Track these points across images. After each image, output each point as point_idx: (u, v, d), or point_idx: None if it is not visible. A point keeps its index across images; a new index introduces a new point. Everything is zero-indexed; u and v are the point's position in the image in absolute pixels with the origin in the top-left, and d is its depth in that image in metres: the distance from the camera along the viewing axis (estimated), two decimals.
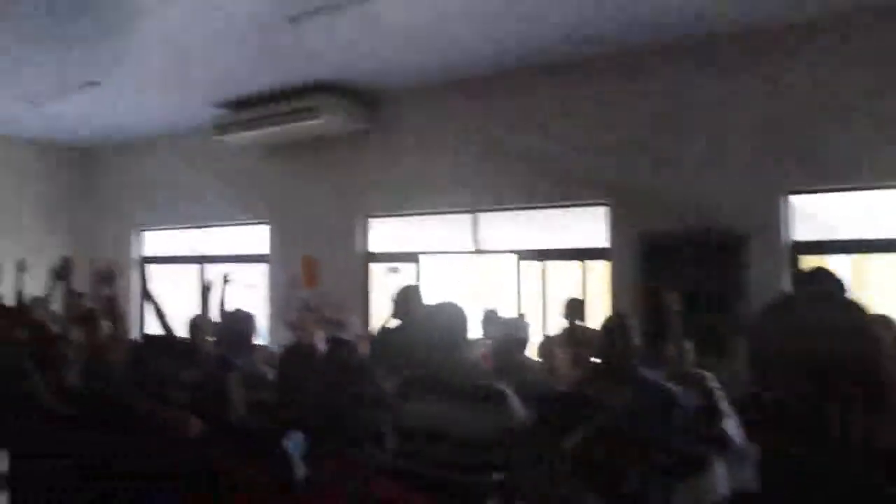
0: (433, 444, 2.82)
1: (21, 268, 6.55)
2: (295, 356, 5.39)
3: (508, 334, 3.98)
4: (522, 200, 6.70)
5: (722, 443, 3.27)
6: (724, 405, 3.62)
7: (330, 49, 6.26)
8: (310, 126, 7.27)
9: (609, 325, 3.51)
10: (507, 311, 6.00)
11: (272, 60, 6.58)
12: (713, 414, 3.55)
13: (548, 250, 6.75)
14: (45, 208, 10.23)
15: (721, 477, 3.04)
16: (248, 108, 7.69)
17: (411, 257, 7.47)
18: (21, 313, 5.78)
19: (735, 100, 5.63)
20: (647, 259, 5.97)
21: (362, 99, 7.43)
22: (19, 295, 6.65)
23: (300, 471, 2.21)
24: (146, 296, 6.06)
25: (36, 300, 6.13)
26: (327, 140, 7.75)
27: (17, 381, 3.06)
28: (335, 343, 4.41)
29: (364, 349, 5.08)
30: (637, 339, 3.36)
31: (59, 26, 5.79)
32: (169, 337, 6.04)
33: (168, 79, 7.21)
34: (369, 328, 7.09)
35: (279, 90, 7.34)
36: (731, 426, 3.48)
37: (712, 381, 3.84)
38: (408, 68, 6.76)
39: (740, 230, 5.53)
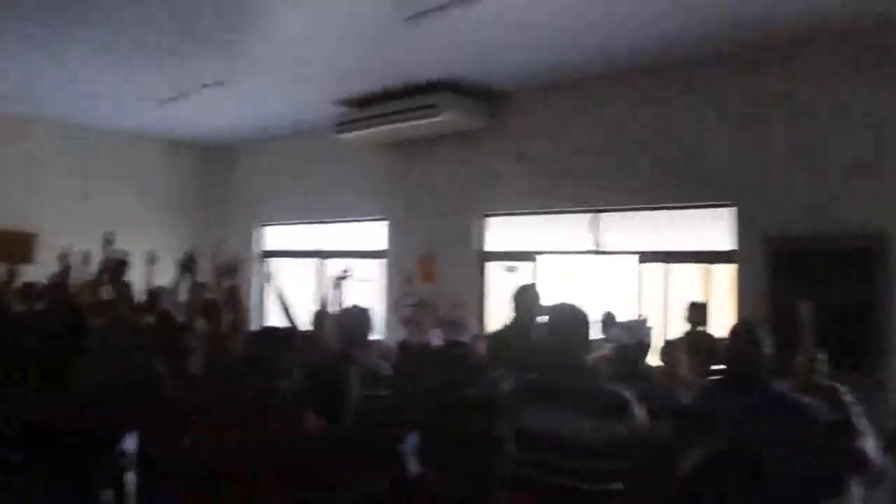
0: (551, 451, 2.74)
1: (150, 260, 6.84)
2: (410, 353, 5.43)
3: (633, 338, 3.84)
4: (644, 200, 6.51)
5: (859, 462, 3.07)
6: (861, 421, 3.40)
7: (449, 47, 6.26)
8: (429, 124, 7.29)
9: (737, 331, 3.35)
10: (625, 315, 5.84)
11: (392, 59, 6.63)
12: (848, 430, 3.34)
13: (670, 252, 6.53)
14: (173, 204, 10.68)
15: (857, 500, 2.85)
16: (368, 105, 7.78)
17: (528, 257, 7.39)
18: (150, 304, 6.01)
19: (877, 98, 5.30)
20: (775, 263, 5.69)
21: (481, 97, 7.39)
22: (148, 286, 6.96)
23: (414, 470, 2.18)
24: (274, 290, 6.20)
25: (163, 292, 6.37)
26: (446, 138, 7.76)
27: (142, 369, 3.16)
28: (451, 342, 4.41)
29: (480, 349, 5.05)
30: (768, 348, 3.19)
31: (185, 28, 5.99)
32: (289, 330, 6.18)
33: (290, 78, 7.37)
34: (485, 328, 7.06)
35: (399, 88, 7.38)
36: (869, 444, 3.26)
37: (846, 395, 3.62)
38: (527, 66, 6.68)
39: (880, 235, 5.20)
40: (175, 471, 2.50)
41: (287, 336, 2.98)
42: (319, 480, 2.19)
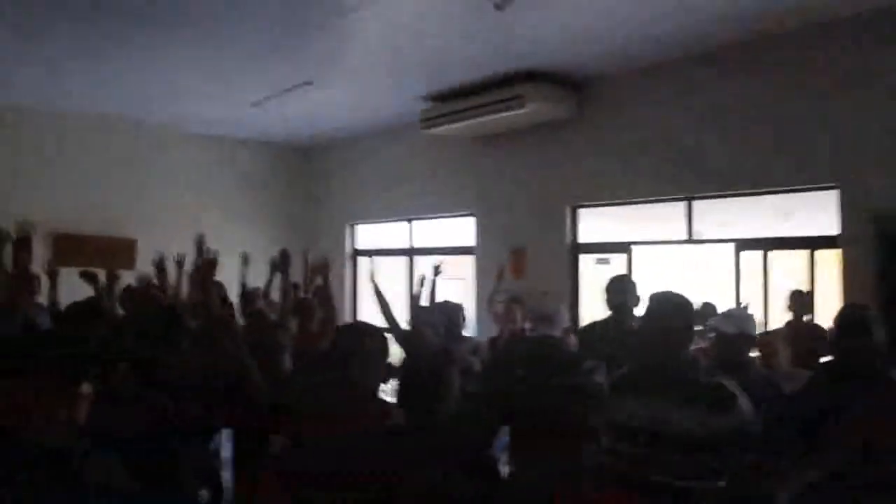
0: (649, 445, 2.63)
1: (245, 261, 6.96)
2: (501, 349, 5.37)
3: (736, 329, 3.67)
4: (741, 185, 6.25)
5: None
6: None
7: (535, 36, 6.15)
8: (516, 115, 7.19)
9: (845, 319, 3.15)
10: (723, 304, 5.64)
11: (477, 50, 6.55)
12: None
13: (770, 238, 6.27)
14: (266, 205, 10.89)
15: None
16: (454, 99, 7.74)
17: (622, 248, 7.22)
18: (245, 304, 6.12)
19: None
20: (884, 247, 5.39)
21: (569, 86, 7.25)
22: (243, 286, 7.07)
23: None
24: (372, 287, 6.23)
25: (257, 291, 6.48)
26: (534, 129, 7.64)
27: (234, 368, 3.19)
28: (541, 336, 4.32)
29: (571, 343, 4.95)
30: (881, 335, 2.99)
31: (274, 29, 6.07)
32: (371, 325, 6.18)
33: (377, 74, 7.39)
34: (578, 321, 6.93)
35: (485, 80, 7.32)
36: None
37: None
38: (614, 51, 6.50)
39: None
40: (267, 470, 2.49)
41: (369, 331, 2.93)
42: (397, 480, 2.13)
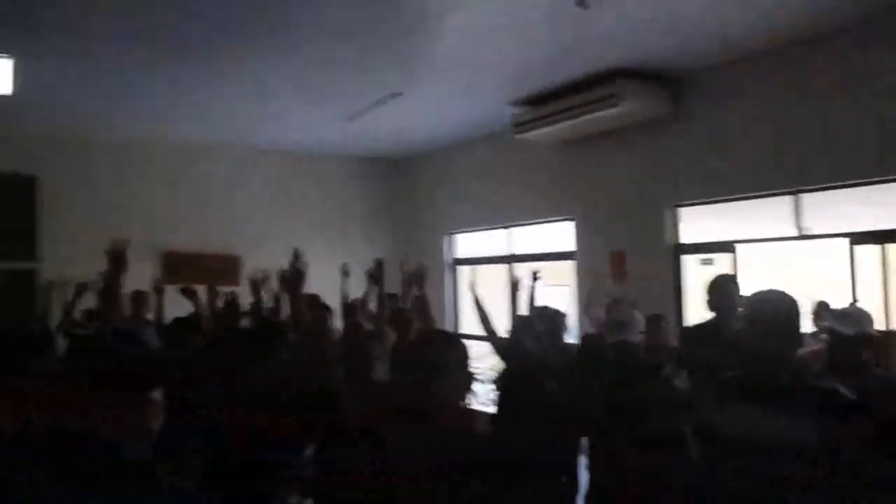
0: (752, 455, 2.44)
1: (344, 273, 7.04)
2: (580, 356, 5.24)
3: (852, 329, 3.41)
4: (854, 175, 5.88)
5: None
6: None
7: (624, 32, 5.96)
8: (609, 115, 7.01)
9: None
10: (837, 303, 5.31)
11: (566, 50, 6.41)
12: None
13: (888, 231, 5.87)
14: (365, 217, 11.02)
15: None
16: (546, 102, 7.60)
17: (726, 247, 6.90)
18: (345, 316, 6.16)
19: None
20: None
21: (663, 81, 7.01)
22: (344, 298, 7.14)
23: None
24: (471, 297, 6.18)
25: (355, 302, 6.50)
26: (629, 128, 7.42)
27: (325, 378, 3.17)
28: (619, 342, 4.18)
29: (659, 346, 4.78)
30: None
31: (360, 43, 6.09)
32: (452, 334, 6.12)
33: (466, 82, 7.33)
34: (683, 324, 6.68)
35: (576, 81, 7.15)
36: None
37: None
38: (710, 43, 6.22)
39: None
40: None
41: (448, 340, 2.86)
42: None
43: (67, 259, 7.88)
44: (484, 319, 5.70)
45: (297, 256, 5.99)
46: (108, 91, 7.39)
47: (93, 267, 4.73)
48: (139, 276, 6.31)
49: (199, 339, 3.79)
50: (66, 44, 6.06)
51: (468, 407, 2.72)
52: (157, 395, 2.03)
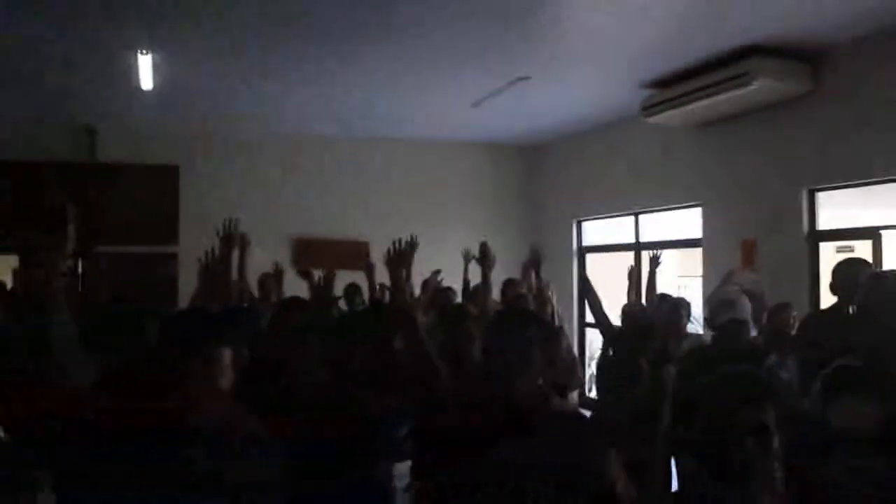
0: (868, 454, 2.22)
1: (467, 259, 7.08)
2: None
3: None
4: None
5: None
6: None
7: (757, 7, 5.61)
8: (742, 95, 6.61)
9: None
10: None
11: (696, 29, 6.11)
12: None
13: None
14: (490, 204, 10.97)
15: None
16: (674, 84, 7.29)
17: (869, 233, 6.39)
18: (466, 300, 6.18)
19: None
20: None
21: (800, 57, 6.55)
22: (465, 284, 7.16)
23: None
24: (584, 286, 6.09)
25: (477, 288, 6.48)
26: (762, 109, 6.98)
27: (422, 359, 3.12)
28: (724, 323, 3.98)
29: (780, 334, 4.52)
30: None
31: (486, 26, 6.00)
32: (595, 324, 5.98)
33: (593, 65, 7.13)
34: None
35: (707, 60, 6.80)
36: None
37: None
38: (853, 13, 5.73)
39: None
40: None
41: (526, 319, 2.76)
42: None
43: (205, 243, 8.24)
44: (594, 306, 5.58)
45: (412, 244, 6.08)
46: (242, 85, 7.69)
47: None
48: (272, 261, 6.62)
49: (296, 316, 3.84)
50: (203, 40, 6.31)
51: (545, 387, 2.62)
52: (228, 355, 2.07)
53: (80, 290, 7.91)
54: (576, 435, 1.80)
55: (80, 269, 8.45)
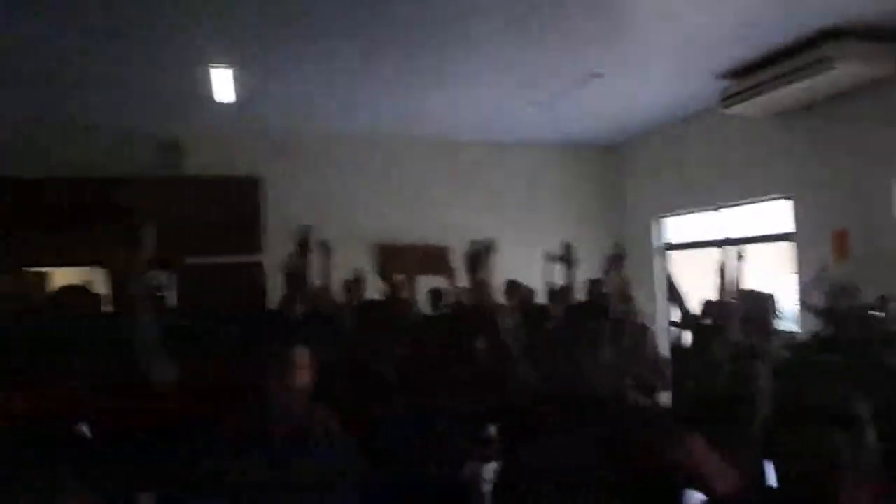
0: None
1: (549, 260, 7.10)
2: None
3: None
4: None
5: None
6: None
7: None
8: (824, 80, 6.39)
9: None
10: None
11: (773, 15, 5.91)
12: None
13: None
14: (569, 204, 10.88)
15: None
16: (753, 73, 7.09)
17: None
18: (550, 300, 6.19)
19: None
20: None
21: (885, 39, 6.31)
22: (548, 285, 7.16)
23: None
24: (669, 285, 6.02)
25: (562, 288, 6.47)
26: (846, 94, 6.75)
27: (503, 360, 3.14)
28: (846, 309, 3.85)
29: None
30: None
31: (557, 20, 5.95)
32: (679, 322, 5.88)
33: (669, 58, 6.98)
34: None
35: (783, 47, 6.59)
36: None
37: None
38: None
39: None
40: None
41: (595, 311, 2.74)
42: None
43: (287, 251, 8.45)
44: (678, 302, 5.50)
45: (489, 248, 6.12)
46: (322, 94, 7.82)
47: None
48: (353, 267, 6.71)
49: (373, 319, 3.91)
50: (283, 52, 6.45)
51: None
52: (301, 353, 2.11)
53: (171, 300, 8.24)
54: (650, 424, 1.77)
55: (171, 281, 8.80)
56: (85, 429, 1.63)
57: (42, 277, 8.01)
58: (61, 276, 7.36)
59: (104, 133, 9.08)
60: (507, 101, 8.41)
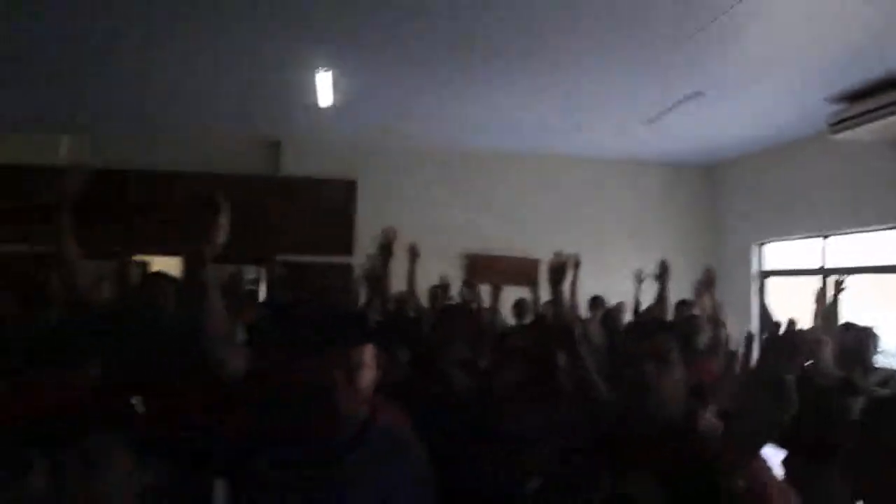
0: None
1: (638, 279, 7.02)
2: None
3: None
4: None
5: None
6: None
7: None
8: None
9: None
10: None
11: (889, 38, 5.69)
12: None
13: None
14: (664, 224, 10.68)
15: None
16: (866, 97, 6.81)
17: None
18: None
19: None
20: None
21: None
22: (637, 303, 7.07)
23: None
24: (762, 312, 5.87)
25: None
26: None
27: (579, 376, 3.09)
28: None
29: None
30: None
31: (657, 39, 5.86)
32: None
33: (775, 79, 6.76)
34: None
35: None
36: None
37: None
38: None
39: None
40: None
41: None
42: None
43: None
44: (765, 327, 5.34)
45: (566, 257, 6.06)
46: (418, 101, 7.90)
47: (398, 262, 5.22)
48: (441, 274, 6.85)
49: (449, 324, 3.93)
50: (381, 56, 6.53)
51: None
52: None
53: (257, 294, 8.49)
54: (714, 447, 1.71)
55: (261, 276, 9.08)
56: (139, 402, 1.67)
57: (145, 266, 8.34)
58: (163, 265, 7.66)
59: (209, 133, 9.41)
60: (606, 117, 8.31)
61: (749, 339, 5.04)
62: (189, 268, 1.89)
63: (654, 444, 1.66)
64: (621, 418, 2.34)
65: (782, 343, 1.46)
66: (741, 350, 5.01)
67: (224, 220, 1.84)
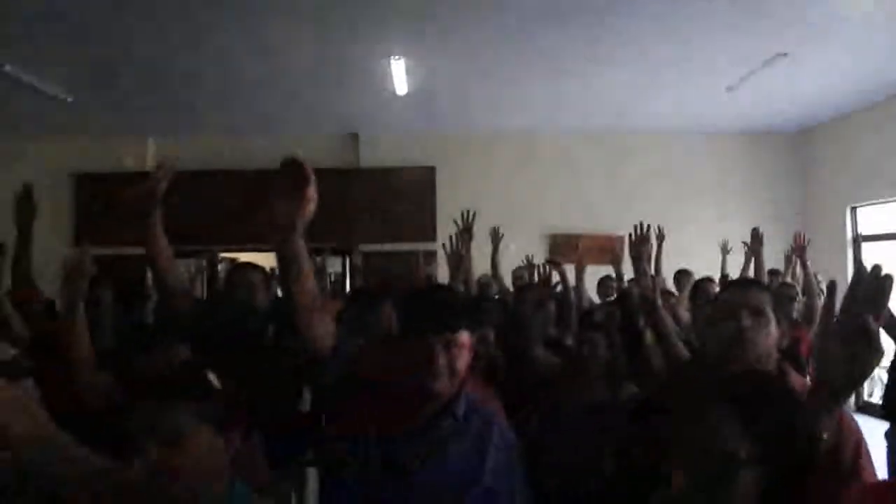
0: None
1: (724, 250, 6.88)
2: None
3: None
4: None
5: None
6: None
7: None
8: None
9: None
10: None
11: None
12: None
13: None
14: (751, 193, 10.38)
15: None
16: None
17: None
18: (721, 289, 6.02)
19: None
20: None
21: None
22: (724, 276, 6.91)
23: None
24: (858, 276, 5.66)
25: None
26: None
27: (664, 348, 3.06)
28: None
29: None
30: None
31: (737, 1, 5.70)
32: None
33: (863, 35, 6.43)
34: None
35: None
36: None
37: None
38: None
39: None
40: None
41: None
42: None
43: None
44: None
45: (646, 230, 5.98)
46: (493, 83, 7.90)
47: (477, 245, 5.27)
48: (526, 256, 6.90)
49: (530, 304, 3.94)
50: (453, 42, 6.57)
51: None
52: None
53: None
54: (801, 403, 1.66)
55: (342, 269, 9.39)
56: (214, 377, 1.72)
57: (232, 261, 8.58)
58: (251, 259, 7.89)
59: (291, 126, 9.59)
60: (685, 87, 8.12)
61: (831, 287, 4.84)
62: (282, 237, 1.93)
63: (743, 392, 1.63)
64: (714, 368, 2.31)
65: (869, 288, 1.40)
66: (824, 299, 4.84)
67: (313, 190, 1.88)
